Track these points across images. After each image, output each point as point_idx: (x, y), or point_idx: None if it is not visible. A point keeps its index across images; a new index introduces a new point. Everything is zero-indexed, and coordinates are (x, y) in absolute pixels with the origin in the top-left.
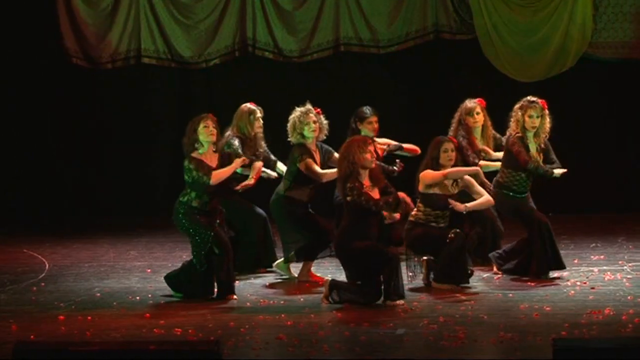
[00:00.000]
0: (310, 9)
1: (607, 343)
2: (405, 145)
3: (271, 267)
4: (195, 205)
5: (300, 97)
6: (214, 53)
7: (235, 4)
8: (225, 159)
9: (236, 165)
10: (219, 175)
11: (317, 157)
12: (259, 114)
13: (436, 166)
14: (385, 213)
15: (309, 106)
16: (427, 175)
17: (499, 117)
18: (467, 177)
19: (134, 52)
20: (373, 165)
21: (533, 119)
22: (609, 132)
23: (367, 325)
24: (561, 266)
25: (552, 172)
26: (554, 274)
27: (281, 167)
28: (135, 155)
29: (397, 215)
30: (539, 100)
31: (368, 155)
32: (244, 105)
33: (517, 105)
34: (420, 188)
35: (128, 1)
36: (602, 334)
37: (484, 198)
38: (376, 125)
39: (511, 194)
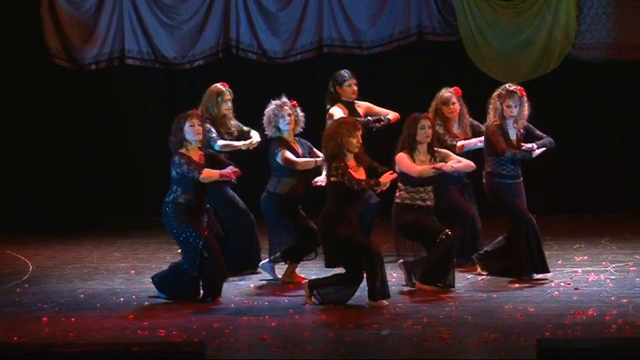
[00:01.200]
0: (294, 11)
1: (591, 343)
2: (388, 116)
3: (256, 270)
4: (181, 201)
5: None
6: (197, 54)
7: (219, 5)
8: (209, 158)
9: (226, 174)
10: (210, 174)
11: (298, 149)
12: (227, 96)
13: (413, 143)
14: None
15: (284, 99)
16: (402, 163)
17: (482, 118)
18: (443, 150)
19: (117, 53)
20: (357, 150)
21: (511, 108)
22: (593, 132)
23: (352, 326)
24: (545, 270)
25: (531, 155)
26: (537, 276)
27: (255, 134)
28: (118, 156)
29: (383, 188)
30: (517, 89)
31: (355, 141)
32: (213, 85)
33: (495, 93)
34: (397, 168)
35: (111, 2)
36: (586, 335)
37: (466, 162)
38: (355, 88)
39: (503, 180)
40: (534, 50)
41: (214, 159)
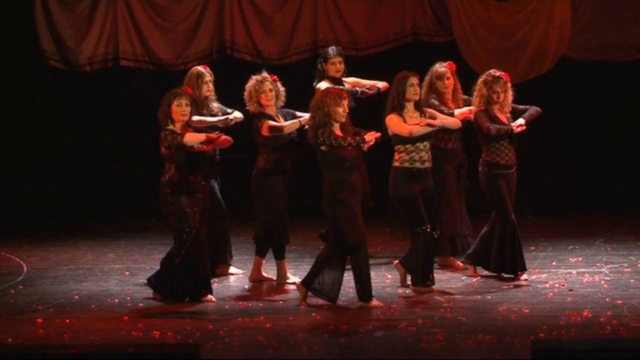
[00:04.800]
0: (289, 12)
1: (586, 345)
2: (377, 85)
3: (225, 264)
4: (177, 180)
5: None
6: (192, 55)
7: (213, 6)
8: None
9: (212, 136)
10: (193, 137)
11: (281, 122)
12: (207, 78)
13: (402, 101)
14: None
15: (264, 74)
16: (392, 124)
17: None
18: (430, 110)
19: (111, 54)
20: (344, 120)
21: (498, 94)
22: (587, 133)
23: (346, 327)
24: (514, 272)
25: (512, 128)
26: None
27: (236, 112)
28: (112, 157)
29: (369, 143)
30: (502, 74)
31: (341, 110)
32: (193, 67)
33: (480, 80)
34: (390, 132)
35: (105, 3)
36: (581, 336)
37: (452, 119)
38: (339, 66)
39: (498, 170)
40: (529, 51)
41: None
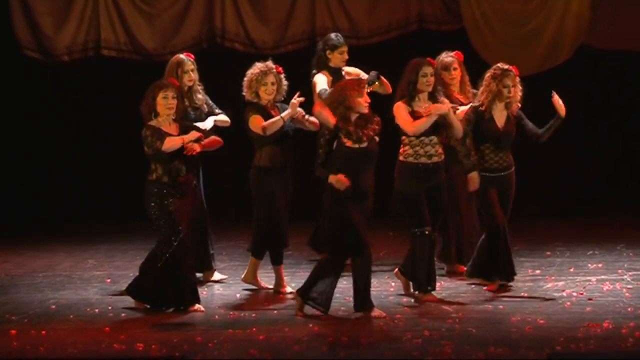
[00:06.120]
0: None
1: (606, 358)
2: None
3: (210, 270)
4: (165, 181)
5: None
6: (179, 44)
7: None
8: (185, 131)
9: (191, 136)
10: (171, 143)
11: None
12: (189, 66)
13: (413, 91)
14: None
15: (270, 64)
16: (398, 116)
17: None
18: (444, 100)
19: (92, 43)
20: (366, 110)
21: (509, 88)
22: (609, 130)
23: (346, 339)
24: (488, 278)
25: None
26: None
27: (223, 117)
28: (93, 154)
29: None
30: (511, 67)
31: (362, 100)
32: (176, 55)
33: (487, 75)
34: (396, 121)
35: None
36: (601, 349)
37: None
38: (346, 56)
39: (485, 174)
40: (544, 40)
41: (188, 129)
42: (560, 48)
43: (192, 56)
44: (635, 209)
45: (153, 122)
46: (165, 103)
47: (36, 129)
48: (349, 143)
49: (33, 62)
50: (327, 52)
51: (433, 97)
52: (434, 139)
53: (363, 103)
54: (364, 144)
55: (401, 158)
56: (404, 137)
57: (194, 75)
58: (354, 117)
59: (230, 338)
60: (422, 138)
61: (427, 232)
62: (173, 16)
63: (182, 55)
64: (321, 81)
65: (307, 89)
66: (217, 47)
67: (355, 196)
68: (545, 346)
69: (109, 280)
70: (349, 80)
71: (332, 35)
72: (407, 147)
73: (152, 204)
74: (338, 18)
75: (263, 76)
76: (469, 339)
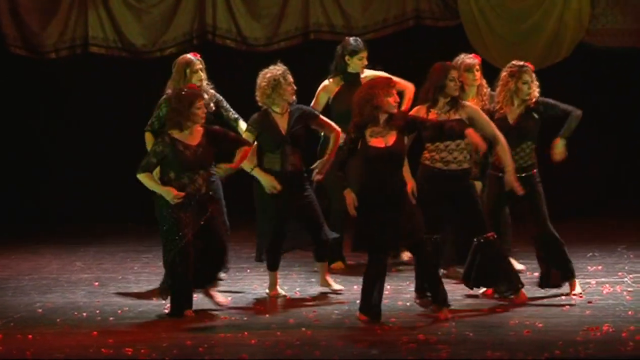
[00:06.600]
0: None
1: None
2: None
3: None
4: (175, 187)
5: None
6: (169, 41)
7: None
8: (210, 135)
9: (165, 192)
10: (145, 181)
11: (283, 122)
12: (197, 65)
13: (439, 95)
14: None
15: (289, 76)
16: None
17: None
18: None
19: (80, 40)
20: (395, 110)
21: (528, 84)
22: (608, 129)
23: (341, 344)
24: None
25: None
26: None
27: (242, 125)
28: (80, 154)
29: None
30: (527, 63)
31: (392, 100)
32: (182, 55)
33: (504, 73)
34: None
35: None
36: (600, 353)
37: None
38: (365, 62)
39: (492, 172)
40: (543, 37)
41: (217, 136)
42: (560, 45)
43: (199, 55)
44: (636, 210)
45: (175, 133)
46: (202, 113)
47: (36, 129)
48: (373, 143)
49: (33, 61)
50: (346, 57)
51: (454, 101)
52: (449, 144)
53: (392, 102)
54: (390, 144)
55: (422, 159)
56: (428, 144)
57: (203, 75)
58: (382, 117)
59: (221, 342)
60: (438, 144)
61: (431, 238)
62: (163, 12)
63: (189, 55)
64: (321, 90)
65: (303, 86)
66: (208, 44)
67: (380, 199)
68: (544, 350)
69: (97, 284)
70: (378, 79)
71: (352, 40)
72: (425, 151)
73: (162, 213)
74: (332, 14)
75: (281, 88)
76: (466, 343)
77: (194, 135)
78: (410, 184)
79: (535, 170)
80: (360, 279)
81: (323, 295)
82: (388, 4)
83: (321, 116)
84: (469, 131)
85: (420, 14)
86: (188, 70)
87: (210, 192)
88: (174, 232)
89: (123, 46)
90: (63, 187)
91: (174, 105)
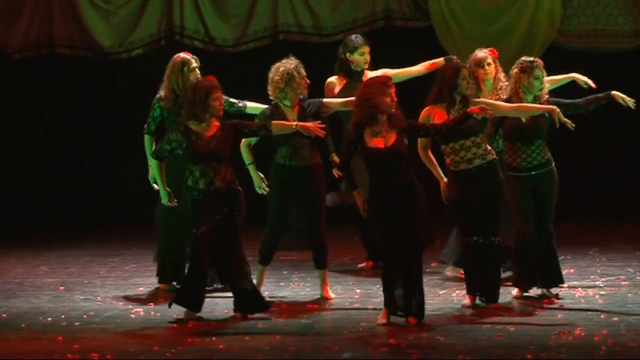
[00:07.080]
0: None
1: None
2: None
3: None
4: (202, 187)
5: (235, 92)
6: (136, 42)
7: None
8: (228, 129)
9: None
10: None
11: (293, 115)
12: (194, 64)
13: (454, 93)
14: None
15: (302, 70)
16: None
17: None
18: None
19: (45, 40)
20: (393, 110)
21: (540, 79)
22: (580, 132)
23: (309, 348)
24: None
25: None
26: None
27: (250, 104)
28: (50, 156)
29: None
30: (535, 58)
31: (388, 99)
32: (177, 55)
33: (515, 70)
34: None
35: None
36: (572, 357)
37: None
38: (368, 57)
39: (509, 172)
40: (515, 38)
41: (234, 126)
42: (531, 46)
43: (190, 54)
44: (608, 213)
45: (193, 124)
46: (218, 105)
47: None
48: (373, 143)
49: (33, 61)
50: (347, 54)
51: (466, 100)
52: (463, 142)
53: (388, 102)
54: (389, 144)
55: (447, 166)
56: (443, 146)
57: (199, 74)
58: (382, 117)
59: (189, 348)
60: (452, 144)
61: (472, 241)
62: (130, 13)
63: (183, 54)
64: (333, 82)
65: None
66: (175, 45)
67: (382, 202)
68: (515, 354)
69: (62, 288)
70: (375, 78)
71: (352, 36)
72: (445, 156)
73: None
74: (301, 14)
75: (294, 83)
76: (437, 348)
77: (209, 128)
78: (442, 183)
79: (552, 166)
80: (367, 283)
81: (292, 300)
82: (358, 5)
83: (326, 99)
84: (472, 109)
85: (391, 14)
86: (186, 69)
87: (236, 186)
88: (190, 225)
89: (89, 47)
90: (28, 190)
91: (190, 97)
